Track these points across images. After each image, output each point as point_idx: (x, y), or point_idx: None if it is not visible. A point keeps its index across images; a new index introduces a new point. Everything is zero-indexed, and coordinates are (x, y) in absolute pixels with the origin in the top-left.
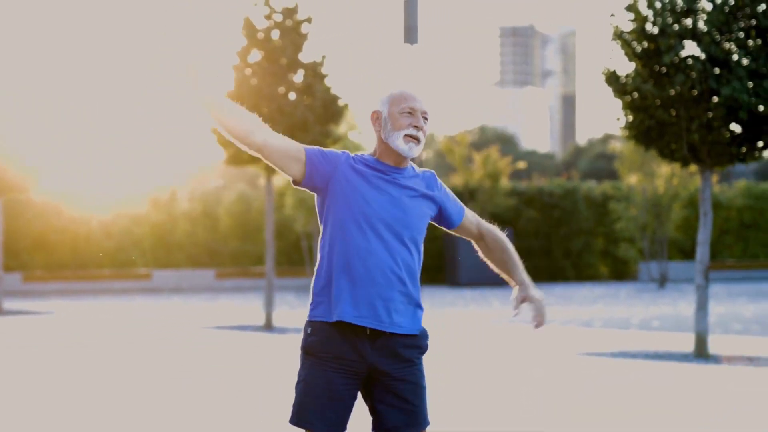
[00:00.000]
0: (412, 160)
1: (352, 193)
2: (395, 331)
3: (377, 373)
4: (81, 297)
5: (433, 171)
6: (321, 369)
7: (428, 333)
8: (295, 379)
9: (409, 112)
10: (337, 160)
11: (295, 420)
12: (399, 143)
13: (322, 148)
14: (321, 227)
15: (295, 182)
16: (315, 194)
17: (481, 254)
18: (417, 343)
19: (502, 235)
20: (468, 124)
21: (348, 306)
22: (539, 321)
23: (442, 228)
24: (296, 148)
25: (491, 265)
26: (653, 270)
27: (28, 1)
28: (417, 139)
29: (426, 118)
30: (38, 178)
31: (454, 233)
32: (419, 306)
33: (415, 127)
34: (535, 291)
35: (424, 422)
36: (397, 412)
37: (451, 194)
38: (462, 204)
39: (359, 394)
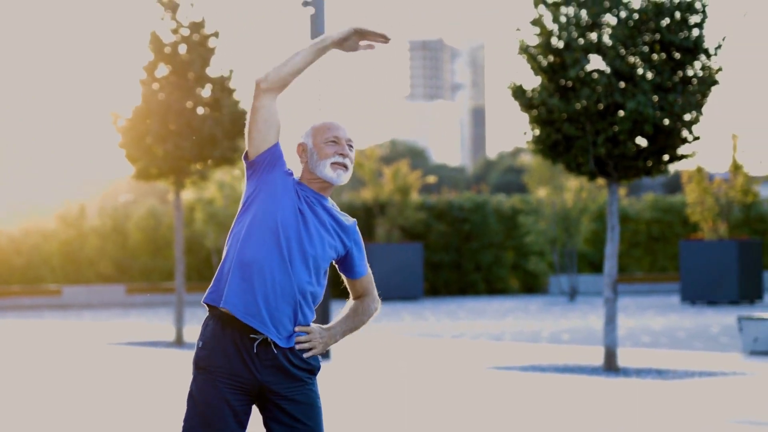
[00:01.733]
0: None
1: (277, 198)
2: (272, 338)
3: (268, 392)
4: None
5: (355, 220)
6: (212, 384)
7: (319, 356)
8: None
9: (334, 141)
10: (283, 165)
11: None
12: (327, 171)
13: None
14: (237, 214)
15: (247, 156)
16: (247, 180)
17: (348, 304)
18: (306, 365)
19: (372, 311)
20: (378, 137)
21: (238, 300)
22: (303, 343)
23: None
24: (276, 128)
25: (343, 313)
26: (563, 283)
27: None
28: (344, 166)
29: (351, 146)
30: None
31: (345, 282)
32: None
33: (341, 154)
34: (325, 333)
35: None
36: (289, 431)
37: (363, 250)
38: (368, 268)
39: (254, 409)
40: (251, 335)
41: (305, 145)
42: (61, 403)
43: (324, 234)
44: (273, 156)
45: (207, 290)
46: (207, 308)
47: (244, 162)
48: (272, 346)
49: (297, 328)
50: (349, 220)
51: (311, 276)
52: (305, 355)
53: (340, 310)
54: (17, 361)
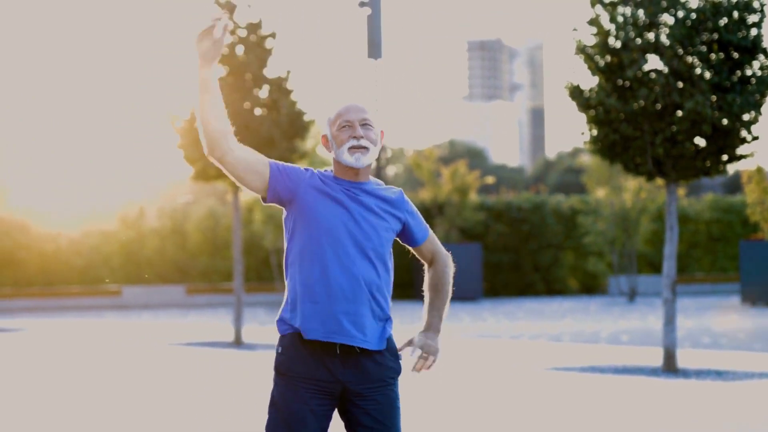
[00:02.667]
0: (380, 177)
1: (314, 212)
2: (364, 347)
3: (350, 393)
4: (50, 314)
5: (401, 189)
6: (293, 390)
7: (400, 354)
8: (267, 397)
9: (347, 125)
10: (300, 179)
11: None
12: (346, 157)
13: (288, 164)
14: (286, 243)
15: (262, 198)
16: (283, 208)
17: (426, 285)
18: (389, 363)
19: (448, 273)
20: (437, 138)
21: (316, 324)
22: (419, 366)
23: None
24: (261, 162)
25: (427, 301)
26: (622, 284)
27: None
28: (362, 148)
29: (367, 125)
30: (5, 195)
31: (414, 252)
32: (388, 319)
33: (355, 137)
34: (430, 339)
35: None
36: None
37: (418, 214)
38: (427, 227)
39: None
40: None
41: (326, 136)
42: (122, 402)
43: (375, 220)
44: (276, 182)
45: (277, 321)
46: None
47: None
48: (355, 347)
49: (401, 350)
50: (395, 193)
51: (375, 267)
52: (424, 370)
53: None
54: (79, 361)
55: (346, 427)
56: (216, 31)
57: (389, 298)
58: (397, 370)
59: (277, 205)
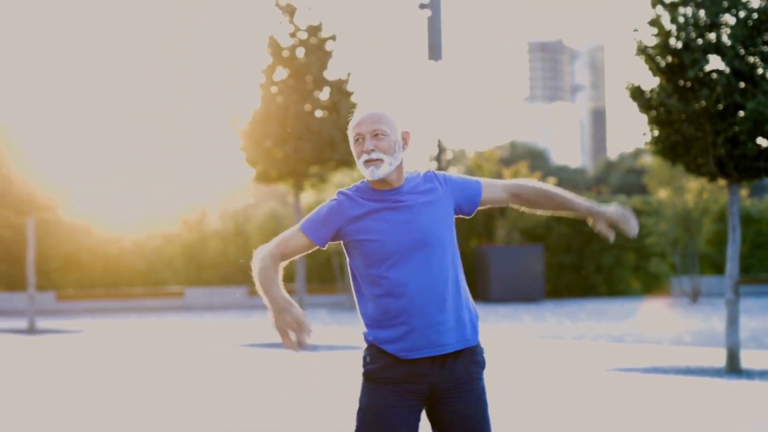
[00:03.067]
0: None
1: (365, 236)
2: (453, 350)
3: (438, 392)
4: (113, 315)
5: (428, 170)
6: (382, 395)
7: (482, 348)
8: (331, 397)
9: (358, 139)
10: (338, 214)
11: None
12: (363, 171)
13: (319, 210)
14: (350, 268)
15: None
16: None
17: (531, 208)
18: (475, 358)
19: (538, 184)
20: (498, 140)
21: (405, 345)
22: (631, 229)
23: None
24: (296, 236)
25: (548, 213)
26: (685, 284)
27: (65, 27)
28: (375, 161)
29: (379, 135)
30: (68, 198)
31: (489, 206)
32: (470, 311)
33: (365, 152)
34: (608, 207)
35: None
36: (460, 428)
37: (460, 178)
38: (476, 179)
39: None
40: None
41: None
42: (190, 404)
43: (425, 215)
44: (319, 237)
45: (365, 334)
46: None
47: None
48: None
49: (601, 229)
50: (427, 179)
51: (444, 262)
52: (633, 232)
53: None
54: (146, 361)
55: (434, 427)
56: (292, 340)
57: (467, 290)
58: (483, 364)
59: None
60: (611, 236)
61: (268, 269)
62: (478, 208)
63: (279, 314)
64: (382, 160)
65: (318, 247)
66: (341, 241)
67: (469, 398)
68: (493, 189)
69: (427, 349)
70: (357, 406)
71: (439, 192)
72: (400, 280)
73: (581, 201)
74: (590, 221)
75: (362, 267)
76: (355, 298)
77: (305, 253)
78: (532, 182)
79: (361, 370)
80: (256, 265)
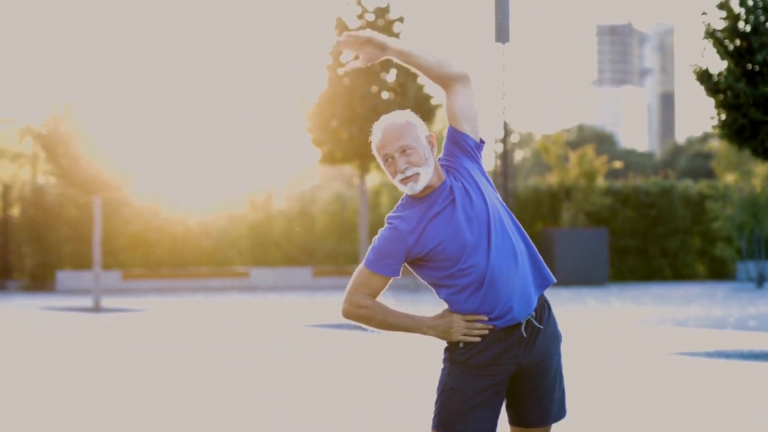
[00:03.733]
0: (507, 162)
1: (433, 244)
2: (532, 314)
3: (522, 370)
4: (179, 294)
5: (440, 156)
6: (472, 377)
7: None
8: (399, 379)
9: (389, 160)
10: (400, 241)
11: (444, 428)
12: (402, 188)
13: (381, 245)
14: (432, 288)
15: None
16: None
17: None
18: (554, 332)
19: (444, 59)
20: (566, 123)
21: (494, 316)
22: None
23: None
24: (373, 281)
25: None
26: (751, 270)
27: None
28: (412, 177)
29: (407, 150)
30: (135, 178)
31: (463, 112)
32: (545, 278)
33: (400, 172)
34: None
35: (562, 412)
36: (537, 405)
37: (451, 146)
38: (455, 132)
39: None
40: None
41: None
42: (259, 382)
43: (474, 202)
44: (394, 268)
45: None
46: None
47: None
48: (533, 322)
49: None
50: (451, 168)
51: (511, 236)
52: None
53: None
54: (212, 340)
55: (511, 403)
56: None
57: (537, 254)
58: (560, 338)
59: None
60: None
61: (373, 307)
62: (460, 129)
63: (441, 331)
64: (418, 174)
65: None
66: (416, 265)
67: (550, 374)
68: (452, 109)
69: (523, 312)
70: (441, 387)
71: (469, 174)
72: (483, 265)
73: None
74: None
75: (442, 272)
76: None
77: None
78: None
79: (448, 354)
80: (355, 313)
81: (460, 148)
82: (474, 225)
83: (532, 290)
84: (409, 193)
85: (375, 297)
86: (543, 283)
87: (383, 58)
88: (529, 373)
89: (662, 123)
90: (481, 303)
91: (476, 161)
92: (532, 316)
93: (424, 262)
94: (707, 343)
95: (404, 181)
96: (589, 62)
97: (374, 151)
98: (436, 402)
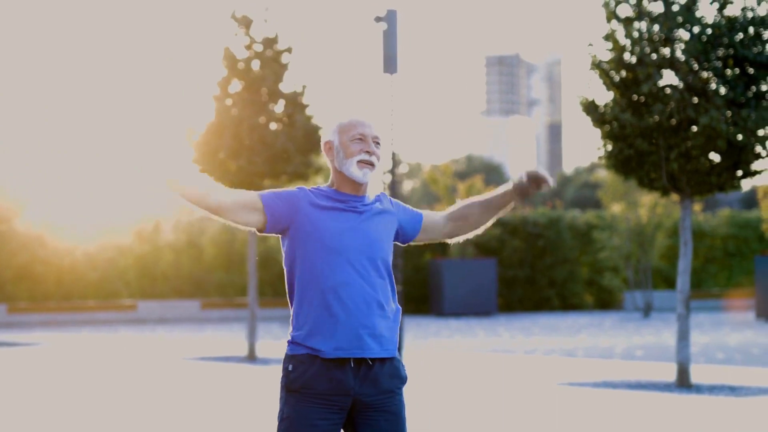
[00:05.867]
0: (395, 192)
1: (316, 230)
2: (382, 356)
3: (360, 405)
4: (66, 328)
5: (382, 192)
6: (305, 406)
7: (403, 364)
8: (277, 414)
9: (360, 138)
10: (296, 200)
11: None
12: (353, 170)
13: (277, 190)
14: (286, 269)
15: (258, 230)
16: (280, 236)
17: (470, 228)
18: (398, 372)
19: (467, 202)
20: (455, 153)
21: (336, 342)
22: (542, 182)
23: (425, 249)
24: (251, 199)
25: (483, 222)
26: (638, 299)
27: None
28: (370, 164)
29: (378, 143)
30: (22, 209)
31: (427, 240)
32: (395, 321)
33: (367, 152)
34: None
35: None
36: None
37: (404, 204)
38: (418, 210)
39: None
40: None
41: (331, 143)
42: (135, 416)
43: (380, 231)
44: (273, 212)
45: (288, 342)
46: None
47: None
48: (368, 359)
49: (517, 183)
50: (381, 199)
51: (384, 277)
52: (548, 185)
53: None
54: (93, 375)
55: None
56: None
57: (397, 306)
58: (404, 379)
59: (275, 234)
60: (518, 184)
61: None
62: (416, 242)
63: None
64: (374, 166)
65: (261, 225)
66: (287, 231)
67: (390, 412)
68: (433, 216)
69: (360, 350)
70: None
71: (391, 211)
72: (339, 279)
73: (497, 190)
74: (514, 198)
75: (308, 259)
76: (293, 302)
77: (243, 227)
78: (465, 202)
79: (283, 381)
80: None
81: (408, 221)
82: (360, 243)
83: (386, 332)
84: (358, 179)
85: (222, 208)
86: (393, 319)
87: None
88: (366, 408)
89: (550, 153)
90: (329, 318)
91: (399, 226)
92: (370, 359)
93: (301, 240)
94: (595, 373)
95: (363, 163)
96: (478, 92)
97: (336, 131)
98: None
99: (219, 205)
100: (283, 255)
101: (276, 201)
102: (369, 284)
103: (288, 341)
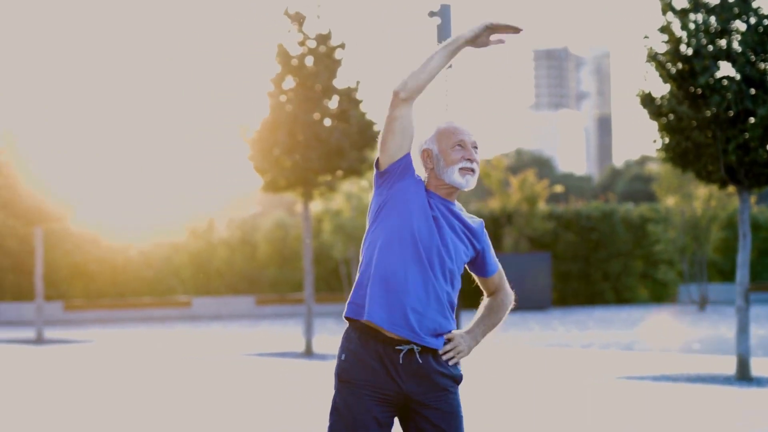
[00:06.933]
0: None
1: (411, 205)
2: (425, 344)
3: (412, 402)
4: (121, 325)
5: (482, 221)
6: (356, 397)
7: (460, 365)
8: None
9: (460, 145)
10: (413, 174)
11: None
12: (455, 177)
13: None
14: (371, 221)
15: (380, 164)
16: (376, 188)
17: (482, 303)
18: (451, 371)
19: (507, 306)
20: (504, 147)
21: (383, 312)
22: (444, 350)
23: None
24: (411, 135)
25: (480, 314)
26: (693, 292)
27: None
28: (472, 171)
29: (476, 148)
30: (76, 208)
31: (477, 280)
32: (450, 328)
33: (468, 159)
34: (466, 338)
35: None
36: None
37: (491, 248)
38: (498, 264)
39: (396, 421)
40: (396, 347)
41: (430, 150)
42: (196, 412)
43: (457, 241)
44: (405, 165)
45: (346, 304)
46: (347, 321)
47: (375, 170)
48: (417, 355)
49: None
50: (476, 222)
51: (448, 284)
52: (451, 362)
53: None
54: (151, 371)
55: None
56: (500, 41)
57: (454, 319)
58: (458, 378)
59: (378, 180)
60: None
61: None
62: (477, 278)
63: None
64: (475, 172)
65: (393, 156)
66: (388, 188)
67: (443, 410)
68: (498, 280)
69: (403, 329)
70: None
71: (475, 238)
72: (406, 263)
73: (480, 328)
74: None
75: (390, 224)
76: (360, 258)
77: (392, 132)
78: (508, 304)
79: (336, 370)
80: (409, 81)
81: (482, 256)
82: (431, 245)
83: (439, 330)
84: (461, 185)
85: (411, 111)
86: (447, 331)
87: None
88: (419, 406)
89: (600, 146)
90: (386, 285)
91: (473, 254)
92: (417, 349)
93: (395, 192)
94: (653, 366)
95: (464, 170)
96: (527, 86)
97: (434, 139)
98: (329, 422)
99: (410, 108)
100: (369, 211)
101: (409, 159)
102: (431, 282)
103: (348, 302)
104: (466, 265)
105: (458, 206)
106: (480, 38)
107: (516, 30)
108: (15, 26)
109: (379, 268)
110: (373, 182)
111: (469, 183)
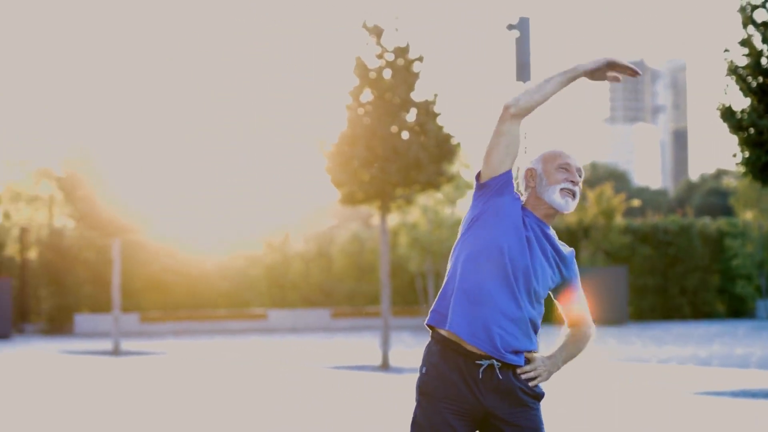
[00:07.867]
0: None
1: (502, 224)
2: (507, 361)
3: (493, 418)
4: (197, 337)
5: (573, 250)
6: (436, 410)
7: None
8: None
9: (565, 168)
10: (512, 191)
11: None
12: (555, 197)
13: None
14: (460, 234)
15: (481, 177)
16: (473, 200)
17: (564, 332)
18: (531, 390)
19: (589, 338)
20: (579, 161)
21: (465, 323)
22: (525, 371)
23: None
24: (515, 153)
25: (562, 341)
26: None
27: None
28: (573, 194)
29: (581, 175)
30: (153, 220)
31: (560, 309)
32: (532, 347)
33: (571, 181)
34: (549, 362)
35: None
36: None
37: (579, 280)
38: (583, 296)
39: None
40: (476, 361)
41: (534, 170)
42: (273, 425)
43: (546, 265)
44: (505, 181)
45: (429, 312)
46: (429, 331)
47: (475, 182)
48: (497, 371)
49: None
50: (567, 250)
51: (533, 305)
52: (531, 384)
53: (557, 338)
54: (230, 383)
55: None
56: (616, 79)
57: (537, 341)
58: (540, 396)
59: (477, 192)
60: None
61: (518, 99)
62: (557, 304)
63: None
64: (575, 196)
65: (496, 171)
66: (485, 200)
67: (524, 427)
68: (583, 309)
69: (481, 342)
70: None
71: (565, 266)
72: (493, 280)
73: (562, 354)
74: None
75: (481, 237)
76: (448, 266)
77: (497, 146)
78: (590, 335)
79: (417, 383)
80: (515, 103)
81: (567, 284)
82: (526, 265)
83: (515, 344)
84: (561, 207)
85: (514, 138)
86: (529, 351)
87: None
88: (500, 422)
89: (675, 160)
90: (469, 296)
91: (560, 281)
92: (498, 365)
93: (491, 206)
94: (732, 382)
95: (565, 191)
96: (602, 100)
97: (539, 160)
98: None
99: (518, 126)
100: (464, 221)
101: (509, 176)
102: (516, 301)
103: (431, 310)
104: (551, 292)
105: (552, 232)
106: (598, 71)
107: (635, 73)
108: (95, 42)
109: (464, 280)
110: (473, 194)
111: (569, 205)
